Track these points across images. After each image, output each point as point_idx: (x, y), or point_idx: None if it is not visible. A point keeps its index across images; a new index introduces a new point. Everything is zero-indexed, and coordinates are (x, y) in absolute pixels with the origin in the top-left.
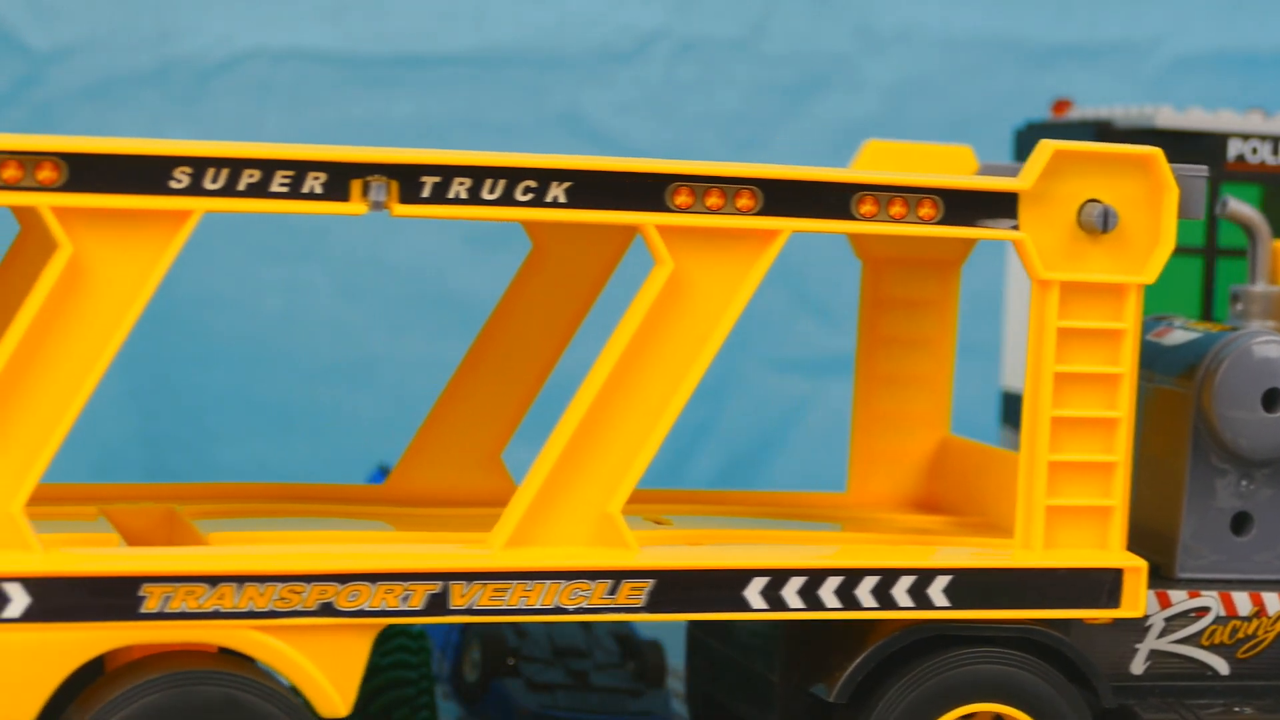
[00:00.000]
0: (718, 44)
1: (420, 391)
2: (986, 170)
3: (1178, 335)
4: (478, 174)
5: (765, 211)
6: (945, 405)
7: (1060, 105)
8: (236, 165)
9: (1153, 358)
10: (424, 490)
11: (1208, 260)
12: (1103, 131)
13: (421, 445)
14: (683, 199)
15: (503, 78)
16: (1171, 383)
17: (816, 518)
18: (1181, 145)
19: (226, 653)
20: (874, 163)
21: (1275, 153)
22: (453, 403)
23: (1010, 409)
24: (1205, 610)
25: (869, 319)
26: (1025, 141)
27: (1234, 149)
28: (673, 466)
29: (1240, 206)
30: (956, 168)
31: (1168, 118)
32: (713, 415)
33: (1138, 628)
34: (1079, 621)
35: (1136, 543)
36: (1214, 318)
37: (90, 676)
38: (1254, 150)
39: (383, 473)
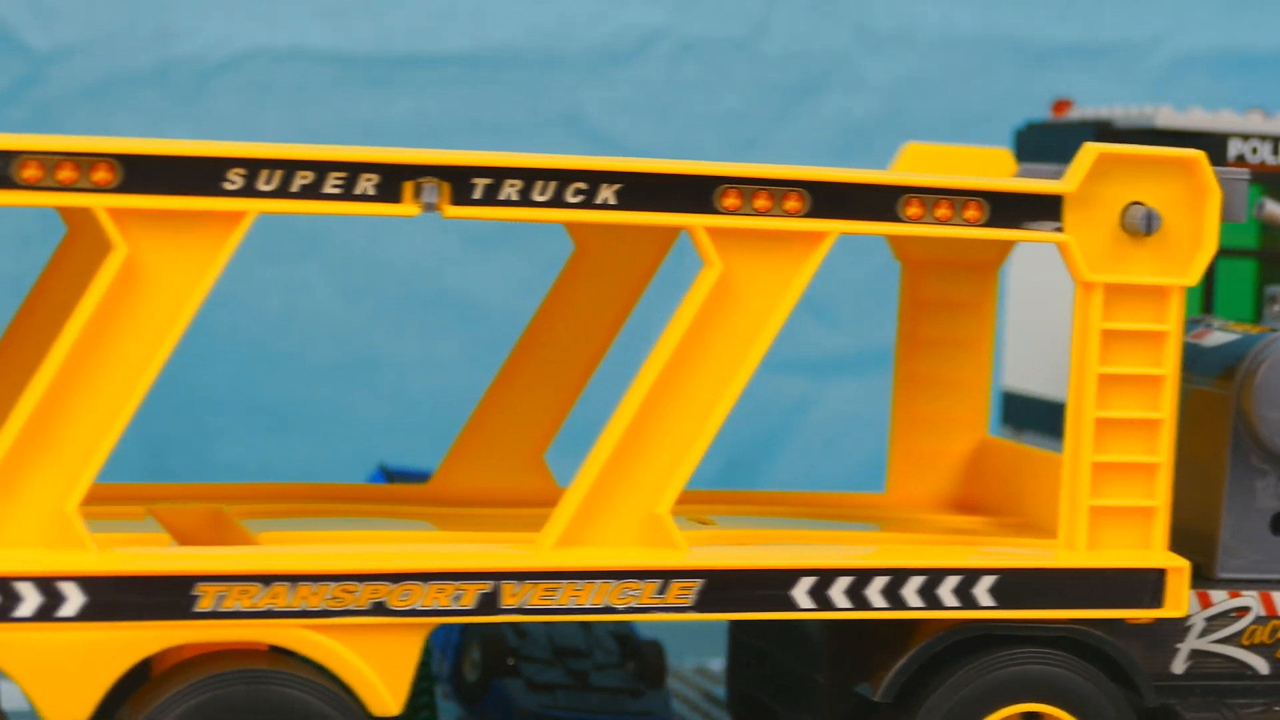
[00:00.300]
0: (718, 44)
1: (420, 391)
2: (1025, 173)
3: (1216, 336)
4: (528, 176)
5: (812, 214)
6: (983, 406)
7: (1060, 105)
8: (290, 167)
9: (1191, 359)
10: (467, 491)
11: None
12: (1103, 131)
13: (465, 446)
14: (731, 201)
15: (503, 78)
16: (1210, 384)
17: (856, 518)
18: (1181, 145)
19: (277, 651)
20: (913, 165)
21: (1275, 153)
22: (496, 404)
23: (1010, 409)
24: (1245, 610)
25: (908, 321)
26: (1025, 141)
27: (1234, 149)
28: None
29: (1276, 208)
30: (995, 170)
31: (1168, 118)
32: None
33: (1179, 627)
34: (1120, 621)
35: (1176, 543)
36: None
37: (136, 680)
38: (1254, 150)
39: (382, 472)
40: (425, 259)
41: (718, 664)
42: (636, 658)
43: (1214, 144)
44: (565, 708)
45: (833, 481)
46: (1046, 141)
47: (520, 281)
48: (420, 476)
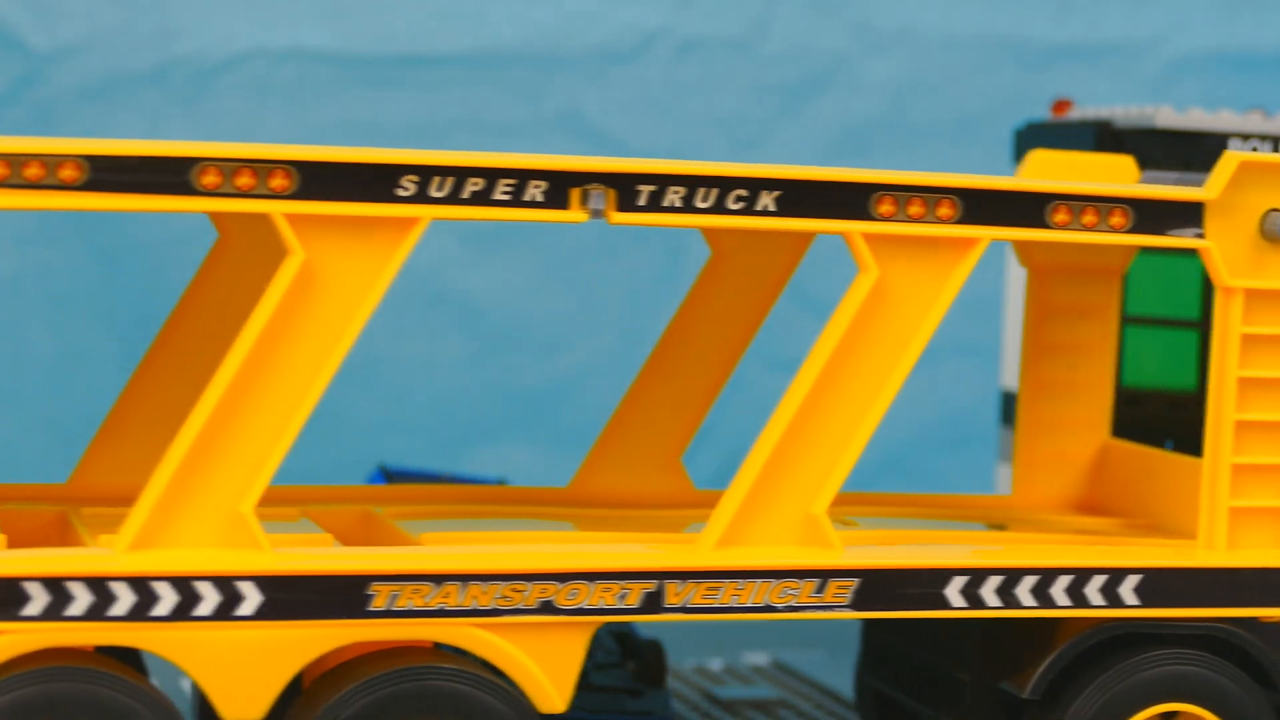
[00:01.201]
0: (718, 44)
1: (420, 391)
2: (1148, 179)
3: None
4: (691, 183)
5: (964, 220)
6: (1106, 409)
7: (1060, 105)
8: (461, 174)
9: None
10: (605, 492)
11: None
12: (1102, 131)
13: (604, 448)
14: (886, 208)
15: (503, 78)
16: None
17: (985, 519)
18: (1181, 145)
19: (442, 649)
20: (1039, 172)
21: (1275, 152)
22: (634, 406)
23: (1009, 409)
24: None
25: (1034, 325)
26: (1025, 141)
27: (1234, 149)
28: None
29: None
30: (1118, 177)
31: (1168, 118)
32: (712, 415)
33: None
34: (1255, 620)
35: None
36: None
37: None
38: (1254, 150)
39: (382, 473)
40: (426, 260)
41: (718, 664)
42: (636, 658)
43: (1214, 144)
44: None
45: None
46: (1046, 141)
47: (520, 282)
48: (421, 477)
